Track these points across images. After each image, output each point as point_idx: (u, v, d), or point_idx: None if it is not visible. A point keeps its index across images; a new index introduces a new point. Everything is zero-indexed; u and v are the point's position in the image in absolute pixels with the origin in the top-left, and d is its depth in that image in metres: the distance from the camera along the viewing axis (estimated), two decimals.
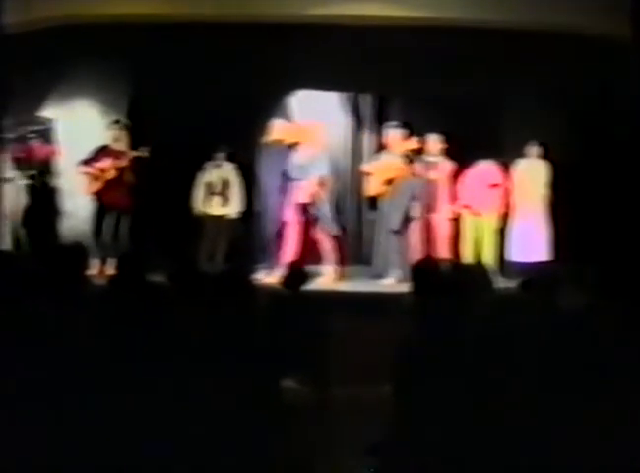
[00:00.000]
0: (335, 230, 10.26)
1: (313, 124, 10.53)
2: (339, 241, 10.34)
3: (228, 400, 4.56)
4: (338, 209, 10.45)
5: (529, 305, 5.09)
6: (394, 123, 10.63)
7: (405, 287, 9.58)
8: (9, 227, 10.24)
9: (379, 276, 10.21)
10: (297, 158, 10.25)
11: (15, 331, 4.66)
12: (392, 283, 9.94)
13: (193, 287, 5.23)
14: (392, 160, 10.28)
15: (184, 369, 4.55)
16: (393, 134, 10.39)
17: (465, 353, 4.56)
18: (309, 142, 10.24)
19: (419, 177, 10.32)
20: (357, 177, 10.95)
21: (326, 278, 9.93)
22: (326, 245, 10.19)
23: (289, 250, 10.03)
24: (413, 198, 10.20)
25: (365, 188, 10.56)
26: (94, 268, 8.64)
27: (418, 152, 10.43)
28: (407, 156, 10.26)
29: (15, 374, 4.48)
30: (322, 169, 10.13)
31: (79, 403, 4.46)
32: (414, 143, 10.33)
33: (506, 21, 10.01)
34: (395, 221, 10.16)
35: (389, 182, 10.20)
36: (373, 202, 10.49)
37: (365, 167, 10.59)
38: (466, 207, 10.43)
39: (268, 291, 6.62)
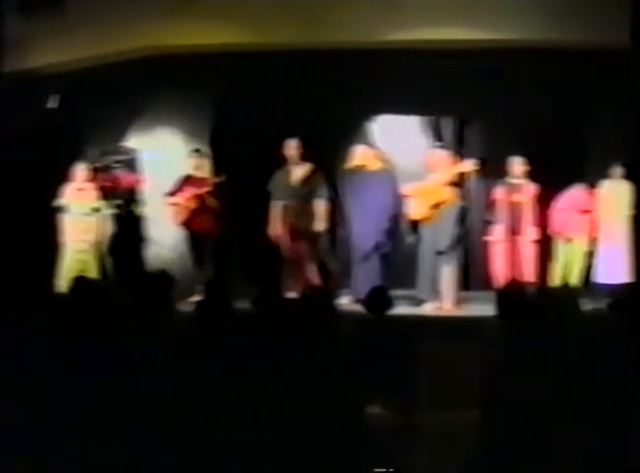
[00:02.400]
0: (335, 263, 10.26)
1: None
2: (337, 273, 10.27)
3: (313, 426, 4.56)
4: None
5: (616, 327, 5.03)
6: (438, 143, 10.58)
7: (455, 311, 9.63)
8: (95, 255, 10.37)
9: (423, 301, 10.05)
10: (294, 177, 10.25)
11: (103, 357, 4.72)
12: (443, 307, 9.87)
13: (277, 312, 5.25)
14: (439, 182, 10.01)
15: (269, 393, 4.57)
16: (437, 154, 10.22)
17: (552, 376, 4.52)
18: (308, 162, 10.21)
19: (467, 201, 10.20)
20: None
21: None
22: (314, 276, 10.07)
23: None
24: (459, 222, 10.07)
25: (408, 212, 10.15)
26: (190, 295, 8.66)
27: (502, 174, 10.35)
28: (455, 178, 10.02)
29: (105, 399, 4.55)
30: (323, 194, 10.15)
31: (166, 428, 4.50)
32: (466, 166, 10.20)
33: (587, 41, 9.90)
34: (443, 245, 9.94)
35: (436, 206, 9.96)
36: (415, 226, 10.15)
37: (407, 189, 10.14)
38: (558, 233, 10.32)
39: (351, 316, 6.61)
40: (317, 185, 10.16)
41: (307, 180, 10.21)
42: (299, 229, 10.16)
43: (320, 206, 10.13)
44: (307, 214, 10.15)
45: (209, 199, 10.34)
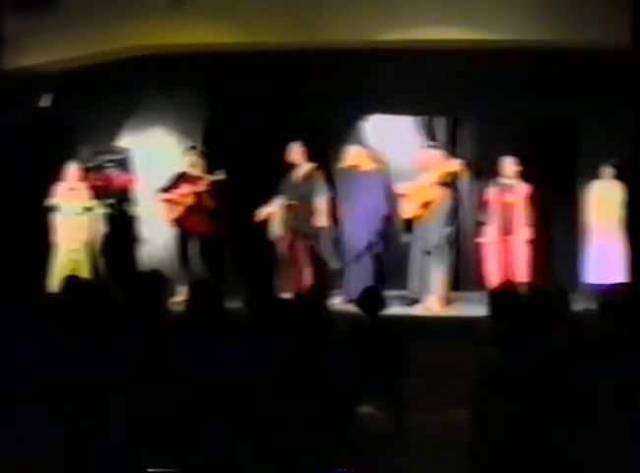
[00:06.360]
0: (334, 263, 10.30)
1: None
2: (330, 273, 10.33)
3: (306, 426, 4.57)
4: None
5: (608, 328, 5.03)
6: (431, 143, 10.65)
7: (444, 311, 9.64)
8: (87, 255, 10.36)
9: (415, 300, 10.10)
10: (293, 177, 10.26)
11: (95, 357, 4.72)
12: (432, 307, 9.88)
13: (270, 313, 5.24)
14: (429, 181, 10.06)
15: (261, 394, 4.57)
16: (429, 154, 10.29)
17: (544, 377, 4.52)
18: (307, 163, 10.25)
19: (457, 200, 10.28)
20: None
21: None
22: (307, 274, 10.11)
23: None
24: (449, 221, 10.11)
25: (401, 210, 10.25)
26: (175, 295, 8.65)
27: (494, 174, 10.38)
28: (445, 178, 10.08)
29: (97, 398, 4.55)
30: (323, 192, 10.15)
31: (158, 428, 4.50)
32: (454, 165, 10.23)
33: (581, 42, 9.90)
34: (431, 245, 9.99)
35: (426, 205, 10.03)
36: (408, 224, 10.22)
37: (400, 188, 10.22)
38: None
39: (345, 316, 6.61)
40: (317, 183, 10.14)
41: (307, 178, 10.19)
42: (299, 228, 10.14)
43: (321, 203, 10.10)
44: (308, 213, 10.12)
45: (206, 198, 10.31)
